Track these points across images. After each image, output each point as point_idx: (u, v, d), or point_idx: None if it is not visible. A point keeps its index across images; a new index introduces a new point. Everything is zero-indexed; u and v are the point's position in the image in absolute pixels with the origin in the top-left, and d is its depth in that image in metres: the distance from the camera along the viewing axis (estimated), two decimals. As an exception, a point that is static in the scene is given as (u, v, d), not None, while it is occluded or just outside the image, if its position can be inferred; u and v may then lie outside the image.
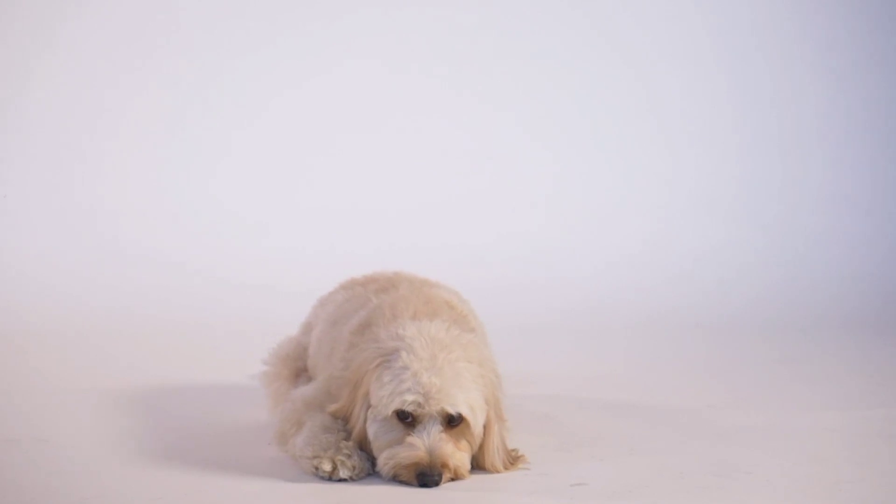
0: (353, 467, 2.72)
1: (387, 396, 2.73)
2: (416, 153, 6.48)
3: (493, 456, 2.81)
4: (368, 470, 2.78)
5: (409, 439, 2.71)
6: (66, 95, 6.11)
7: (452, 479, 2.74)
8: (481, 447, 2.80)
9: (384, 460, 2.74)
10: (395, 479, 2.72)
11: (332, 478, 2.71)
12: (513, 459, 2.86)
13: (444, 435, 2.72)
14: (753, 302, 5.97)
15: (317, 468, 2.72)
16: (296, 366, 3.51)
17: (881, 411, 3.59)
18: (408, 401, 2.71)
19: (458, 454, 2.73)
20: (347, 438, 2.79)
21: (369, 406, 2.77)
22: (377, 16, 6.47)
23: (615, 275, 6.18)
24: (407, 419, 2.73)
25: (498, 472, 2.81)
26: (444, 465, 2.70)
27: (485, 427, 2.79)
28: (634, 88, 6.76)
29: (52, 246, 5.80)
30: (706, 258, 6.35)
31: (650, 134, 6.77)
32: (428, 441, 2.70)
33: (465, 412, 2.72)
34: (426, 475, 2.68)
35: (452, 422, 2.73)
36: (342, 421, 2.85)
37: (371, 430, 2.77)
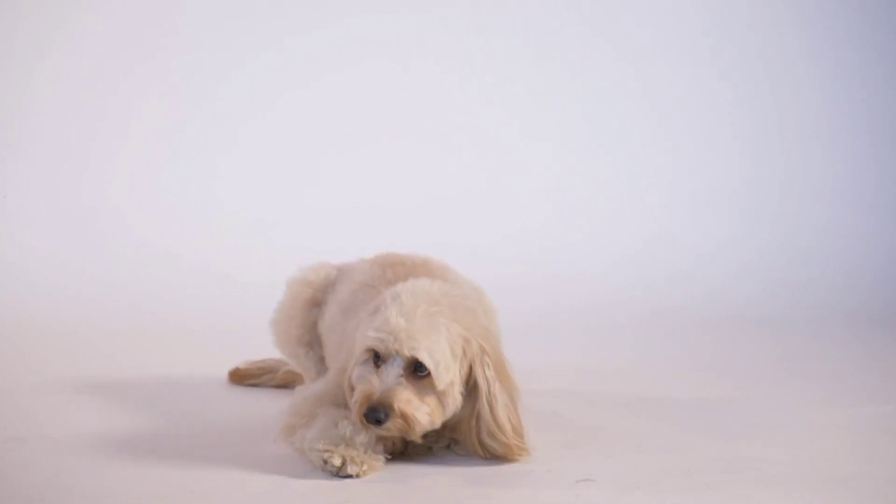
0: (362, 463, 2.71)
1: (361, 337, 2.76)
2: (422, 152, 6.48)
3: (499, 413, 2.76)
4: (380, 468, 2.76)
5: (368, 376, 2.72)
6: (70, 94, 6.11)
7: (404, 432, 2.72)
8: (479, 415, 2.77)
9: (352, 402, 2.75)
10: (362, 424, 2.72)
11: (339, 474, 2.70)
12: (520, 434, 2.81)
13: (403, 380, 2.71)
14: (758, 298, 5.96)
15: (326, 462, 2.71)
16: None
17: (888, 407, 3.58)
18: (371, 336, 2.72)
19: (413, 402, 2.71)
20: (357, 434, 2.77)
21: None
22: (382, 16, 6.47)
23: (619, 272, 6.18)
24: (379, 362, 2.74)
25: (503, 432, 2.77)
26: (389, 406, 2.68)
27: (478, 389, 2.76)
28: (635, 86, 6.75)
29: (56, 245, 5.81)
30: (710, 255, 6.35)
31: (652, 131, 6.77)
32: (383, 378, 2.71)
33: (424, 358, 2.69)
34: (372, 410, 2.67)
35: (419, 371, 2.72)
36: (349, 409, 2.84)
37: (353, 378, 2.79)
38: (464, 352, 2.77)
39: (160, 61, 6.22)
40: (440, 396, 2.74)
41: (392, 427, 2.71)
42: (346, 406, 2.86)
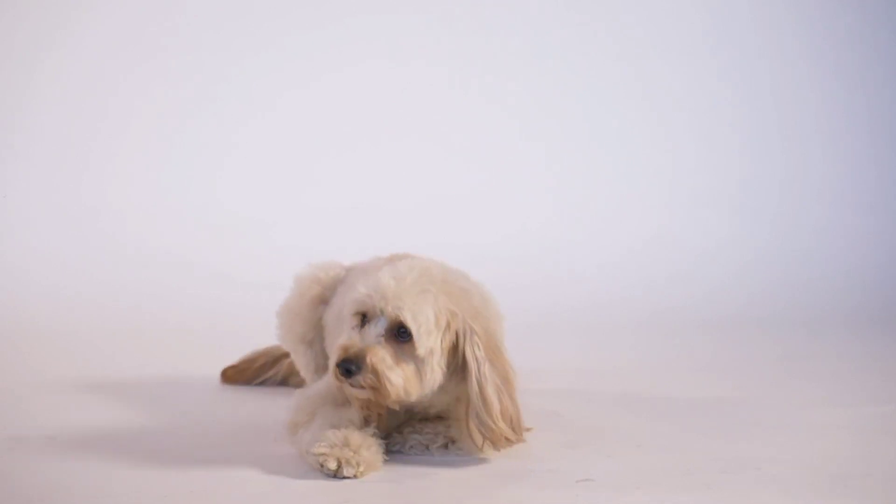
0: (359, 465, 2.70)
1: (351, 296, 2.78)
2: (422, 152, 6.48)
3: (489, 393, 2.72)
4: (379, 468, 2.75)
5: (350, 333, 2.75)
6: (70, 94, 6.12)
7: (375, 390, 2.70)
8: (468, 396, 2.75)
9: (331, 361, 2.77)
10: (335, 378, 2.73)
11: (336, 476, 2.69)
12: (515, 421, 2.77)
13: (383, 340, 2.71)
14: (758, 298, 5.96)
15: (322, 465, 2.70)
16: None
17: (888, 407, 3.58)
18: (360, 292, 2.75)
19: (387, 360, 2.70)
20: (356, 436, 2.77)
21: None
22: (382, 16, 6.47)
23: (619, 272, 6.18)
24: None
25: (490, 414, 2.72)
26: (362, 359, 2.68)
27: (468, 369, 2.74)
28: (635, 86, 6.76)
29: (56, 245, 5.81)
30: (710, 255, 6.35)
31: (652, 131, 6.77)
32: (363, 336, 2.72)
33: (407, 319, 2.69)
34: (345, 361, 2.69)
35: (401, 337, 2.72)
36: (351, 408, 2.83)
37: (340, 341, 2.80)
38: (448, 324, 2.74)
39: (160, 61, 6.22)
40: (418, 364, 2.73)
41: (363, 382, 2.69)
42: (346, 405, 2.86)
